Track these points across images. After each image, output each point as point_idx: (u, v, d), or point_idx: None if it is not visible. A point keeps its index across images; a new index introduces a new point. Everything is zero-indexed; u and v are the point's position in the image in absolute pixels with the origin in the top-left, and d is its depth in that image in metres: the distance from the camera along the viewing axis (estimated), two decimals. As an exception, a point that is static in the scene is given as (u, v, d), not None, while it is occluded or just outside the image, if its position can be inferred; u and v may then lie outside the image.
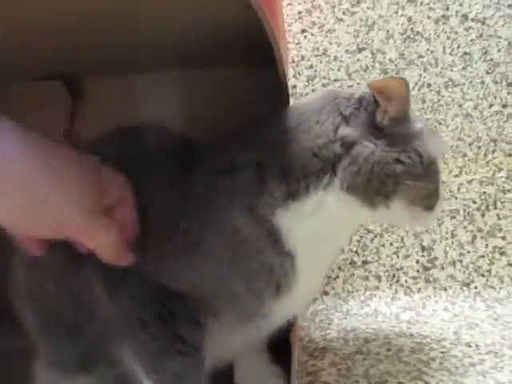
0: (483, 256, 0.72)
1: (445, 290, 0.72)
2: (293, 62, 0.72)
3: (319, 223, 0.41)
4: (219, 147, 0.44)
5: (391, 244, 0.73)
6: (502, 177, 0.71)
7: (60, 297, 0.43)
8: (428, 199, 0.43)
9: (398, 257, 0.73)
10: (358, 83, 0.72)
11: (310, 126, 0.42)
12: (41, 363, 0.45)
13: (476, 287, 0.72)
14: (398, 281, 0.74)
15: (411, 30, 0.70)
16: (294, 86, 0.72)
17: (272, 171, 0.41)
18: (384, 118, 0.41)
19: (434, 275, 0.73)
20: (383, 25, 0.71)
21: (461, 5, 0.69)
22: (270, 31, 0.31)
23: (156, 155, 0.44)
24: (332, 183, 0.41)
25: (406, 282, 0.73)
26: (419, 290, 0.73)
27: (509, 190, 0.71)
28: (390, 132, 0.41)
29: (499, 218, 0.71)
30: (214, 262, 0.40)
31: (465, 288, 0.72)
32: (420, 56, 0.70)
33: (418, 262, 0.73)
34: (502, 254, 0.71)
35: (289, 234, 0.40)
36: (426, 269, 0.73)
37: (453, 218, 0.72)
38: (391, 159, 0.41)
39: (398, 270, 0.73)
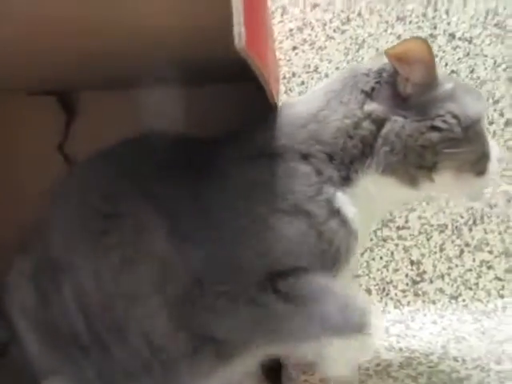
0: (471, 270, 0.73)
1: (433, 303, 0.73)
2: (284, 78, 0.73)
3: (366, 206, 0.41)
4: (238, 138, 0.43)
5: (381, 258, 0.74)
6: (488, 192, 0.72)
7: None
8: (477, 163, 0.40)
9: (387, 270, 0.74)
10: (349, 99, 0.73)
11: (334, 107, 0.41)
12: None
13: (464, 300, 0.73)
14: (387, 294, 0.75)
15: (400, 48, 0.73)
16: (286, 102, 0.73)
17: (319, 158, 0.40)
18: (407, 86, 0.39)
19: (423, 288, 0.74)
20: (373, 43, 0.72)
21: (448, 24, 0.71)
22: (261, 76, 0.32)
23: (170, 162, 0.43)
24: (370, 166, 0.40)
25: (395, 295, 0.74)
26: (408, 304, 0.74)
27: (495, 205, 0.73)
28: (419, 100, 0.39)
29: (486, 233, 0.73)
30: (296, 246, 0.38)
31: (453, 301, 0.73)
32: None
33: (407, 275, 0.74)
34: (489, 267, 0.73)
35: (350, 216, 0.40)
36: (415, 282, 0.74)
37: (441, 232, 0.73)
38: (425, 128, 0.38)
39: (387, 283, 0.74)
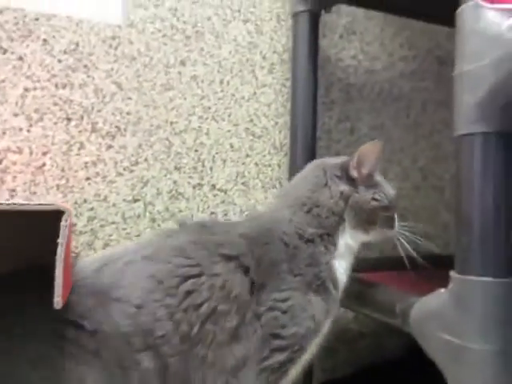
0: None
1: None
2: (76, 203, 0.83)
3: (346, 256, 0.67)
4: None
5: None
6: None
7: None
8: (391, 222, 0.70)
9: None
10: (131, 226, 0.88)
11: (321, 190, 0.67)
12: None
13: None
14: None
15: (176, 190, 0.93)
16: (75, 224, 0.83)
17: (321, 237, 0.64)
18: (357, 172, 0.67)
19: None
20: (155, 183, 0.91)
21: (211, 177, 0.96)
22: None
23: None
24: (345, 227, 0.66)
25: None
26: None
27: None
28: (364, 182, 0.67)
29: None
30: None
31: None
32: (180, 211, 0.92)
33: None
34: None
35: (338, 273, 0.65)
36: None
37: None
38: (370, 199, 0.66)
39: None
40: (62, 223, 0.34)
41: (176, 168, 0.93)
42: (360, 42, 1.12)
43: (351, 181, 0.68)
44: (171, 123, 0.93)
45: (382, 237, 0.71)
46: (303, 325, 0.57)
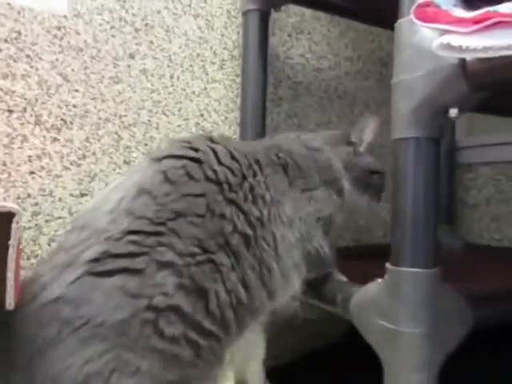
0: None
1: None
2: (18, 198, 0.81)
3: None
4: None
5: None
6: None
7: None
8: (379, 194, 0.79)
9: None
10: (79, 221, 0.87)
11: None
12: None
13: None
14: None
15: (125, 184, 0.92)
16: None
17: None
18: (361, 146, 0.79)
19: None
20: (103, 178, 0.90)
21: (161, 172, 0.96)
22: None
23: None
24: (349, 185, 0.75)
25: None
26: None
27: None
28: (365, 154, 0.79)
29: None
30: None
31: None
32: (130, 205, 0.92)
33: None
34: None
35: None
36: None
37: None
38: (368, 170, 0.77)
39: None
40: (14, 225, 0.34)
41: (125, 162, 0.92)
42: (308, 41, 1.16)
43: (351, 144, 0.79)
44: (120, 117, 0.92)
45: (369, 208, 0.78)
46: (331, 206, 0.72)
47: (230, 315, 0.54)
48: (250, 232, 0.58)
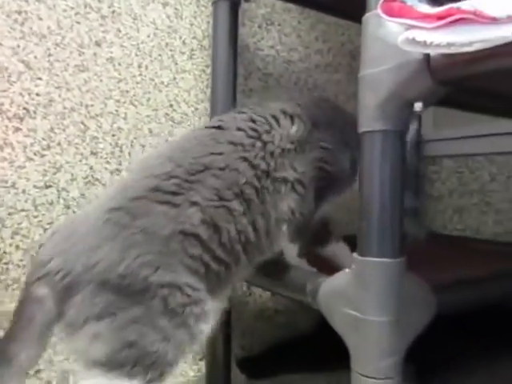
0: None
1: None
2: (-21, 189, 0.78)
3: None
4: None
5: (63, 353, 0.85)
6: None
7: None
8: None
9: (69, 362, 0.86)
10: (43, 214, 0.84)
11: None
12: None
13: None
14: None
15: (92, 176, 0.90)
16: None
17: None
18: None
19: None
20: (69, 169, 0.87)
21: (130, 163, 0.94)
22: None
23: None
24: None
25: None
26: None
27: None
28: None
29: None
30: None
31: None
32: (98, 197, 0.90)
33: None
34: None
35: None
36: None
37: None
38: None
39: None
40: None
41: (92, 153, 0.90)
42: (278, 32, 1.16)
43: None
44: (86, 106, 0.89)
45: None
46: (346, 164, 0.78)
47: (238, 249, 0.67)
48: (257, 184, 0.68)
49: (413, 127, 1.29)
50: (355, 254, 0.57)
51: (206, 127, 0.75)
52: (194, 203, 0.64)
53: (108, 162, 0.92)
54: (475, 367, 0.75)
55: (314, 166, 0.74)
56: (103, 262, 0.57)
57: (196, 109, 1.03)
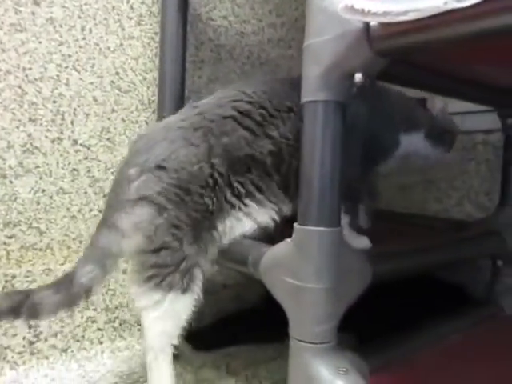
0: (79, 325, 0.92)
1: (46, 358, 0.87)
2: None
3: None
4: None
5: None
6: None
7: None
8: None
9: (6, 337, 0.83)
10: (-24, 182, 0.79)
11: None
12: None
13: (72, 351, 0.90)
14: (4, 358, 0.83)
15: (31, 144, 0.85)
16: None
17: None
18: None
19: (38, 347, 0.86)
20: (5, 136, 0.82)
21: (72, 132, 0.90)
22: None
23: None
24: None
25: (12, 358, 0.83)
26: (24, 363, 0.85)
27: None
28: None
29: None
30: None
31: (63, 354, 0.89)
32: (37, 166, 0.86)
33: (24, 338, 0.85)
34: (92, 322, 0.94)
35: None
36: (31, 343, 0.85)
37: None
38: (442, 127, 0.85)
39: (5, 348, 0.83)
40: None
41: (31, 120, 0.85)
42: (231, 3, 1.13)
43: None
44: (24, 69, 0.84)
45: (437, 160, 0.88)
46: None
47: (291, 181, 0.72)
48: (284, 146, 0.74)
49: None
50: (296, 224, 0.58)
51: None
52: (270, 136, 0.72)
53: (48, 130, 0.87)
54: (407, 331, 0.80)
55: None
56: (181, 157, 0.69)
57: (144, 78, 1.00)
